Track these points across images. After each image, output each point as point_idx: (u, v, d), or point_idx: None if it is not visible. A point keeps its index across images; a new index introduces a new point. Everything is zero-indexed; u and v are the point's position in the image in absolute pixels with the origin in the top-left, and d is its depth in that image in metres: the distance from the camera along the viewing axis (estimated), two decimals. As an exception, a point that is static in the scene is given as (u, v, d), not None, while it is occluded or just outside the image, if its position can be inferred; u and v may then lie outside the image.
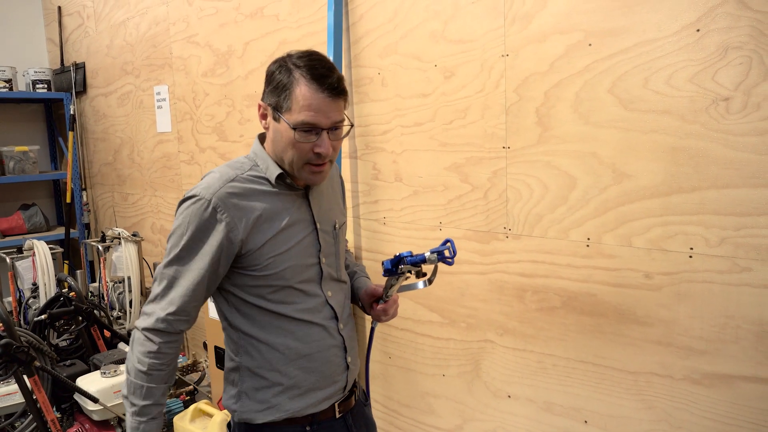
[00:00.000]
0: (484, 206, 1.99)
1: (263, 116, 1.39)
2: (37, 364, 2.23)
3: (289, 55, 1.34)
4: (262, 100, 1.38)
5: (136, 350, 1.35)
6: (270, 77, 1.35)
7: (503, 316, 1.99)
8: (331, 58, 2.26)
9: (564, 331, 1.84)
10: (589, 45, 1.67)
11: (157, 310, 1.34)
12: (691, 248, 1.54)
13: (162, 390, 1.37)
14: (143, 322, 1.36)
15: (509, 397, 2.02)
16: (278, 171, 1.37)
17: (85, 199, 4.77)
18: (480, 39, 1.92)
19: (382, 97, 2.26)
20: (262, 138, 1.45)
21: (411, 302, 2.26)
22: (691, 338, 1.57)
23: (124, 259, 3.50)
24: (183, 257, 1.33)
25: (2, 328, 2.23)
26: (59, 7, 4.77)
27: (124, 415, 2.45)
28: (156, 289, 1.36)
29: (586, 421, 1.83)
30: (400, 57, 2.17)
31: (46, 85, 4.76)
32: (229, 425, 1.50)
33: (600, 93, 1.66)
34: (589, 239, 1.74)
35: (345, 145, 2.41)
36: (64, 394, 2.55)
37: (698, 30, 1.47)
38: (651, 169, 1.59)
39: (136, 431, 1.35)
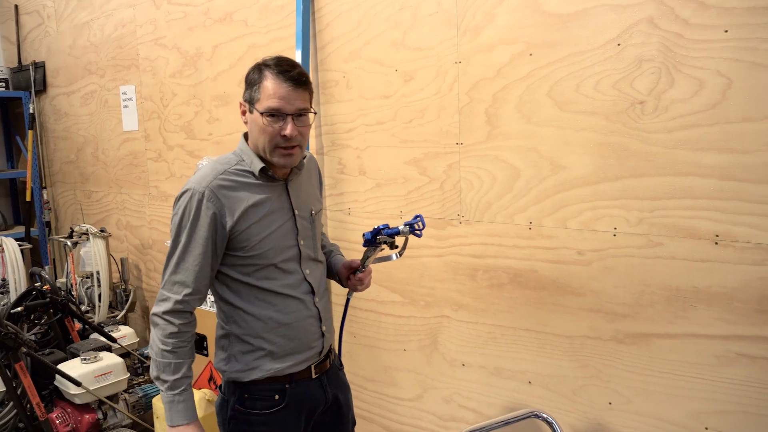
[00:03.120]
0: (440, 196, 2.24)
1: (243, 113, 1.61)
2: (24, 350, 2.36)
3: (262, 59, 1.58)
4: (242, 99, 1.61)
5: (159, 334, 1.55)
6: (246, 78, 1.59)
7: (458, 294, 2.25)
8: (299, 62, 2.48)
9: (511, 304, 2.10)
10: (530, 55, 1.93)
11: (172, 295, 1.54)
12: (615, 228, 1.83)
13: (188, 364, 1.57)
14: (161, 307, 1.55)
15: (463, 365, 2.27)
16: (261, 165, 1.58)
17: (45, 197, 4.81)
18: (436, 47, 2.17)
19: (347, 98, 2.48)
20: (246, 137, 1.66)
21: (375, 285, 2.49)
22: (616, 304, 1.86)
23: (92, 255, 3.61)
24: (186, 244, 1.54)
25: (-11, 316, 2.34)
26: (16, 6, 4.79)
27: (107, 397, 2.59)
28: (166, 276, 1.56)
29: (530, 382, 2.09)
30: (364, 62, 2.40)
31: (3, 84, 4.77)
32: (220, 387, 1.71)
33: (539, 96, 1.93)
34: (531, 223, 2.01)
35: (313, 142, 2.62)
36: (44, 381, 2.67)
37: (619, 44, 1.75)
38: (582, 162, 1.87)
39: (172, 404, 1.54)
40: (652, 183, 1.74)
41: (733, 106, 1.58)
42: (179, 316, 1.55)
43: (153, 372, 1.56)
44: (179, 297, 1.54)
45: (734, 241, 1.63)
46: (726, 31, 1.57)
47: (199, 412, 2.47)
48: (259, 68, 1.55)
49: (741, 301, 1.64)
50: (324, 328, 1.70)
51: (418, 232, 1.59)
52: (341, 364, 1.85)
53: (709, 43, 1.60)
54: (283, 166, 1.59)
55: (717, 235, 1.65)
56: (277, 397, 1.62)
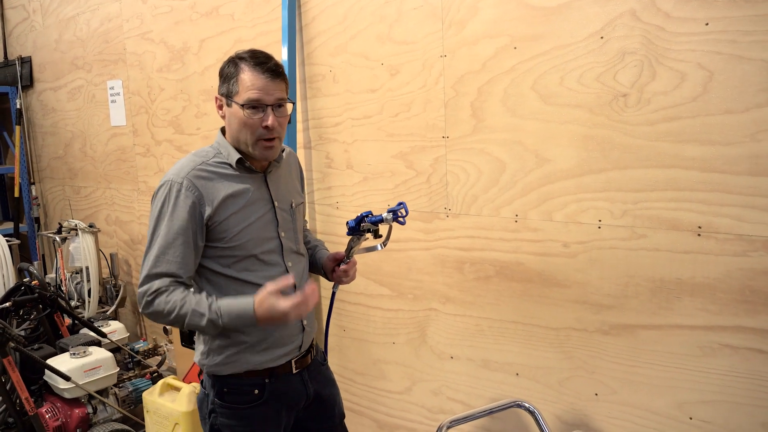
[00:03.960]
0: (427, 189, 2.24)
1: (220, 107, 1.62)
2: (12, 344, 2.35)
3: (235, 53, 1.59)
4: (217, 93, 1.61)
5: (163, 309, 1.48)
6: (221, 72, 1.60)
7: (445, 287, 2.26)
8: (285, 57, 2.48)
9: (498, 296, 2.12)
10: (515, 48, 1.94)
11: (156, 281, 1.50)
12: (600, 220, 1.84)
13: (201, 296, 1.50)
14: (146, 294, 1.50)
15: (452, 358, 2.28)
16: (238, 156, 1.59)
17: (34, 193, 4.78)
18: (421, 41, 2.17)
19: (334, 93, 2.48)
20: (224, 131, 1.66)
21: (363, 278, 2.50)
22: (601, 296, 1.87)
23: (81, 250, 3.60)
24: (166, 235, 1.52)
25: (-24, 313, 2.34)
26: (1, 0, 4.75)
27: (97, 392, 2.59)
28: (146, 270, 1.52)
29: (517, 374, 2.11)
30: (350, 56, 2.39)
31: (-10, 79, 4.73)
32: (201, 382, 1.71)
33: (524, 89, 1.94)
34: (517, 216, 2.02)
35: (300, 137, 2.62)
36: (33, 376, 2.67)
37: (602, 37, 1.76)
38: (566, 155, 1.87)
39: (234, 319, 1.47)
40: (635, 175, 1.75)
41: (715, 99, 1.59)
42: (165, 291, 1.50)
43: (205, 333, 1.55)
44: (165, 282, 1.50)
45: (716, 232, 1.64)
46: (707, 24, 1.58)
47: (189, 406, 2.48)
48: (234, 62, 1.56)
49: (723, 291, 1.65)
50: (305, 322, 1.70)
51: (401, 219, 1.60)
52: (325, 360, 1.86)
53: (691, 35, 1.61)
54: (263, 158, 1.60)
55: (700, 227, 1.67)
56: (256, 391, 1.62)
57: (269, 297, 1.45)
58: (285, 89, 1.58)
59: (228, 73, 1.56)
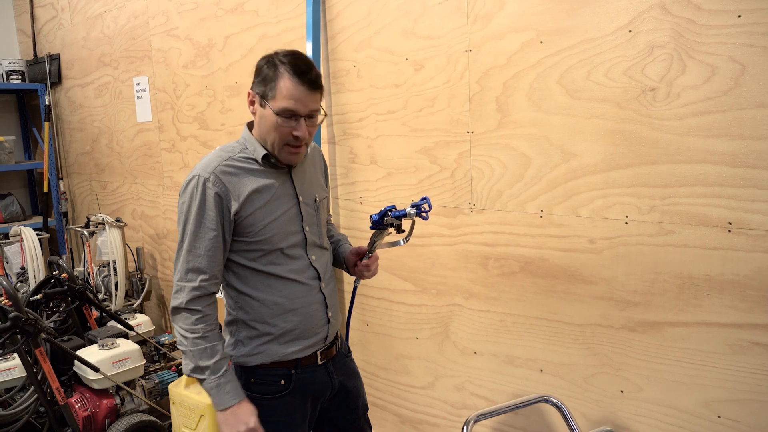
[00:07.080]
0: (451, 185, 2.24)
1: (251, 103, 1.62)
2: (44, 335, 2.41)
3: (276, 53, 1.57)
4: (251, 89, 1.61)
5: (183, 324, 1.56)
6: (259, 71, 1.59)
7: (469, 282, 2.25)
8: (310, 52, 2.49)
9: (522, 292, 2.11)
10: (541, 42, 1.92)
11: (187, 284, 1.56)
12: (627, 216, 1.82)
13: (222, 344, 1.58)
14: (179, 297, 1.56)
15: (475, 353, 2.28)
16: (264, 152, 1.61)
17: (62, 188, 4.87)
18: (446, 36, 2.16)
19: (358, 88, 2.48)
20: (250, 125, 1.68)
21: (387, 273, 2.51)
22: (627, 293, 1.85)
23: (108, 244, 3.66)
24: (195, 230, 1.55)
25: (9, 304, 2.39)
26: (31, -1, 4.84)
27: (124, 383, 2.63)
28: (179, 265, 1.58)
29: (541, 370, 2.10)
30: (374, 51, 2.39)
31: (20, 76, 4.83)
32: None
33: (550, 84, 1.92)
34: (542, 211, 2.00)
35: (324, 132, 2.63)
36: (63, 367, 2.72)
37: (630, 31, 1.73)
38: (593, 150, 1.86)
39: (219, 388, 1.54)
40: (663, 170, 1.73)
41: (746, 92, 1.56)
42: (200, 301, 1.56)
43: (188, 366, 1.56)
44: (195, 284, 1.55)
45: (747, 228, 1.62)
46: (739, 16, 1.55)
47: (214, 399, 2.50)
48: (274, 64, 1.54)
49: (754, 289, 1.63)
50: (330, 314, 1.72)
51: (424, 214, 1.60)
52: (349, 351, 1.87)
53: (722, 28, 1.58)
54: (288, 162, 1.63)
55: (730, 223, 1.64)
56: (282, 382, 1.64)
57: (241, 423, 1.55)
58: (320, 99, 1.58)
59: (267, 74, 1.55)
